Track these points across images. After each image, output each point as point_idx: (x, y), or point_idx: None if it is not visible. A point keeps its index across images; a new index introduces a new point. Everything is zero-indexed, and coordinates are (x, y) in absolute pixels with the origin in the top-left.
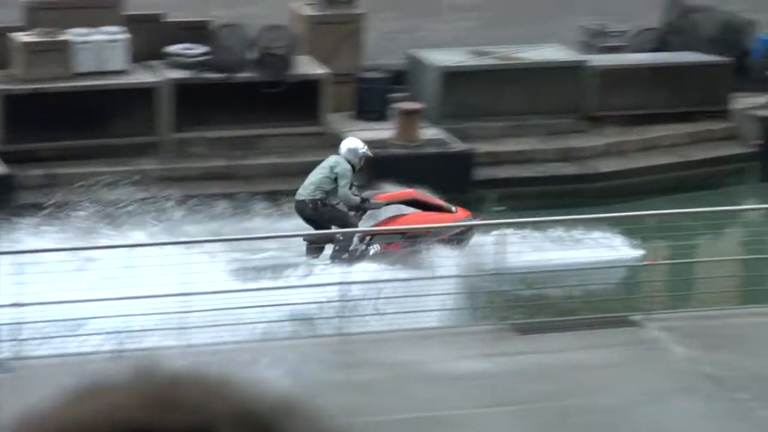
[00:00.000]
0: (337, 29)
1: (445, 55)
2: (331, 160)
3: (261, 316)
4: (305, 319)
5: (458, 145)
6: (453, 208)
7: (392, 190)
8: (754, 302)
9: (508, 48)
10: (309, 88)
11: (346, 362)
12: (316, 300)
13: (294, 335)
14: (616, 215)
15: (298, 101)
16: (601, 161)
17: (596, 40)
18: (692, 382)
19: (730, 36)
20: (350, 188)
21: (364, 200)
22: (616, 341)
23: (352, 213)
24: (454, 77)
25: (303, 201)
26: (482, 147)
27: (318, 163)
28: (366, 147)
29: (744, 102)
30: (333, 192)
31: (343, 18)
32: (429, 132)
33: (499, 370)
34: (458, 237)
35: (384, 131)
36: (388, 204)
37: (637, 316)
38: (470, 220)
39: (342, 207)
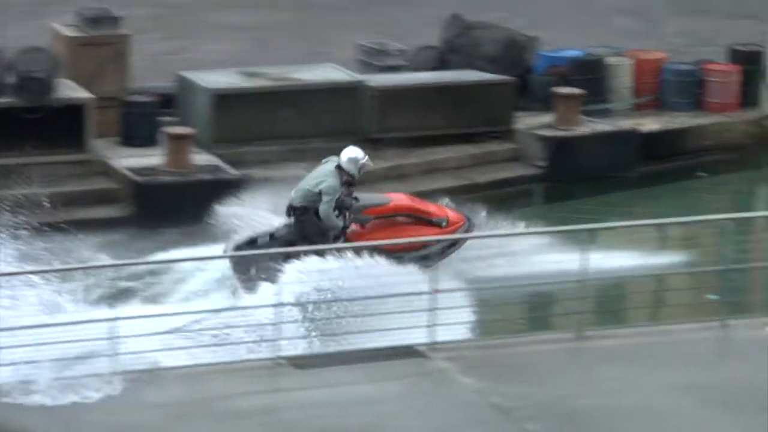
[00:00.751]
0: (100, 51)
1: (215, 76)
2: (322, 172)
3: None
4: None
5: (231, 172)
6: (443, 223)
7: (384, 199)
8: (540, 329)
9: (281, 68)
10: (72, 113)
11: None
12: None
13: None
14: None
15: (61, 127)
16: (382, 185)
17: (374, 59)
18: (480, 414)
19: (511, 54)
20: (351, 197)
21: (345, 227)
22: (401, 373)
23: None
24: (225, 100)
25: (290, 206)
26: (258, 173)
27: None
28: (367, 158)
29: (528, 122)
30: (318, 203)
31: (106, 39)
32: (201, 158)
33: (282, 405)
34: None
35: (153, 157)
36: (377, 218)
37: (421, 347)
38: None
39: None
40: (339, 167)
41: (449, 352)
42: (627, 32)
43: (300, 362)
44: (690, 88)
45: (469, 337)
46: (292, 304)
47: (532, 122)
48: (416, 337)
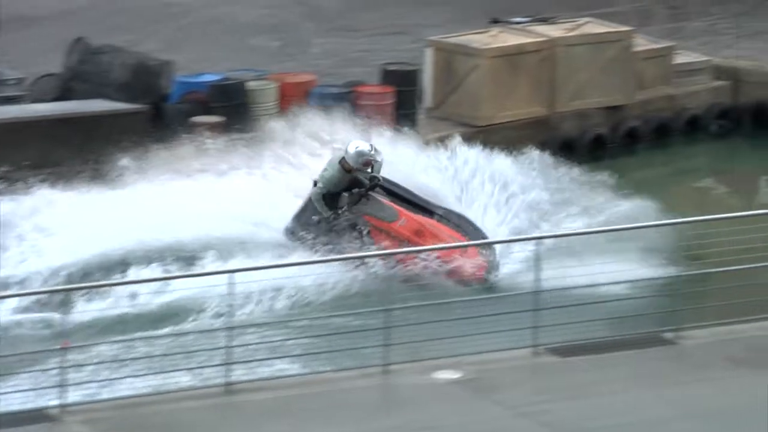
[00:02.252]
0: None
1: None
2: (330, 160)
3: None
4: None
5: None
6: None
7: (393, 215)
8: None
9: None
10: None
11: None
12: None
13: None
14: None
15: None
16: None
17: None
18: None
19: (143, 80)
20: (348, 193)
21: (335, 217)
22: None
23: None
24: None
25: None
26: None
27: None
28: (374, 150)
29: (164, 155)
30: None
31: None
32: None
33: None
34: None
35: None
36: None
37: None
38: None
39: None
40: (343, 158)
41: (84, 414)
42: (270, 53)
43: None
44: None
45: (109, 396)
46: None
47: (167, 155)
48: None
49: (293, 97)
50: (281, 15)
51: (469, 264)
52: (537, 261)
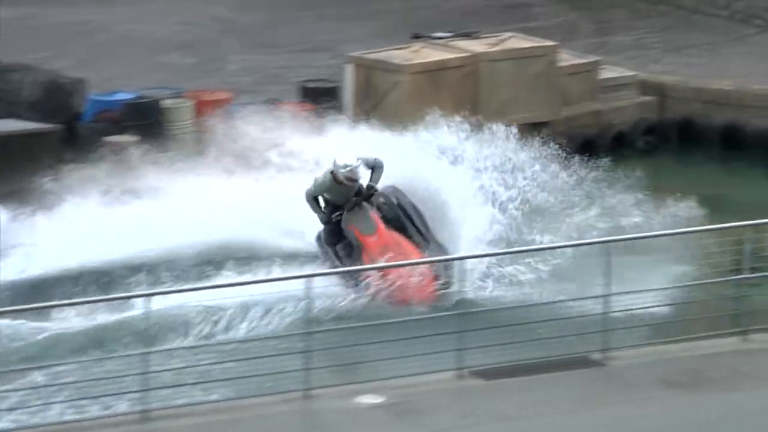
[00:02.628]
0: None
1: None
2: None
3: None
4: None
5: None
6: None
7: (371, 229)
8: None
9: None
10: None
11: None
12: None
13: None
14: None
15: None
16: None
17: None
18: None
19: (55, 98)
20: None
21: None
22: None
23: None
24: None
25: None
26: None
27: None
28: (350, 167)
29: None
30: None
31: None
32: None
33: None
34: None
35: None
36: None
37: None
38: None
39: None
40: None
41: None
42: (187, 70)
43: None
44: None
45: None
46: None
47: (81, 176)
48: None
49: (209, 115)
50: (198, 31)
51: (414, 287)
52: (461, 281)
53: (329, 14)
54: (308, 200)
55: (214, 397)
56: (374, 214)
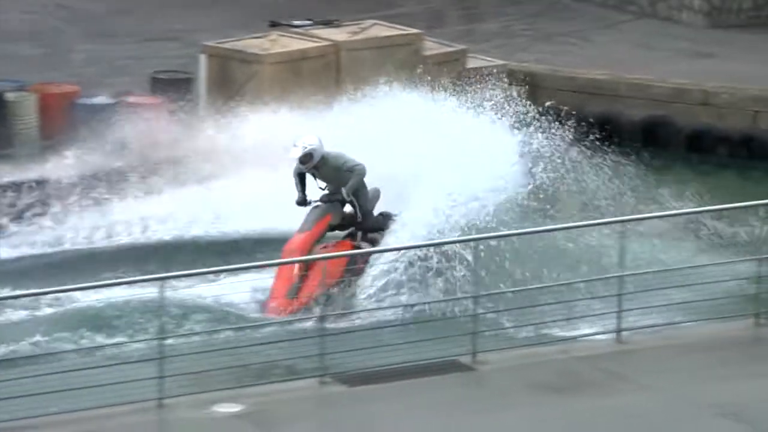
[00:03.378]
0: None
1: None
2: None
3: None
4: None
5: None
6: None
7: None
8: None
9: None
10: None
11: None
12: None
13: None
14: None
15: None
16: None
17: None
18: None
19: None
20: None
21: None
22: None
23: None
24: None
25: None
26: None
27: None
28: (301, 147)
29: None
30: None
31: None
32: None
33: None
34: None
35: None
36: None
37: None
38: None
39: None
40: None
41: None
42: (30, 61)
43: None
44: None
45: None
46: None
47: None
48: None
49: (55, 110)
50: (42, 21)
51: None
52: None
53: (178, 2)
54: (294, 176)
55: (62, 407)
56: (326, 220)
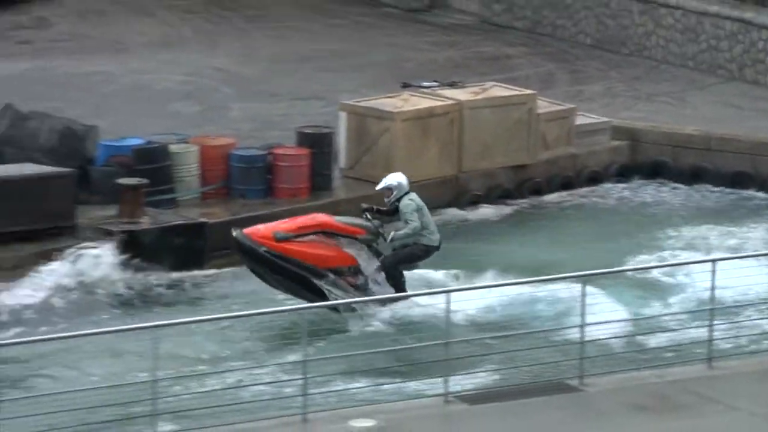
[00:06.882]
0: None
1: None
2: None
3: None
4: None
5: None
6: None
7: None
8: None
9: None
10: None
11: None
12: None
13: None
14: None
15: None
16: None
17: None
18: None
19: (69, 144)
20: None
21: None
22: None
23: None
24: None
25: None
26: None
27: None
28: (384, 182)
29: (91, 216)
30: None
31: None
32: None
33: None
34: None
35: None
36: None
37: None
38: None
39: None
40: None
41: None
42: (191, 118)
43: None
44: (259, 174)
45: None
46: None
47: (95, 216)
48: None
49: (213, 160)
50: (201, 82)
51: None
52: (447, 313)
53: (323, 66)
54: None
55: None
56: (359, 231)
